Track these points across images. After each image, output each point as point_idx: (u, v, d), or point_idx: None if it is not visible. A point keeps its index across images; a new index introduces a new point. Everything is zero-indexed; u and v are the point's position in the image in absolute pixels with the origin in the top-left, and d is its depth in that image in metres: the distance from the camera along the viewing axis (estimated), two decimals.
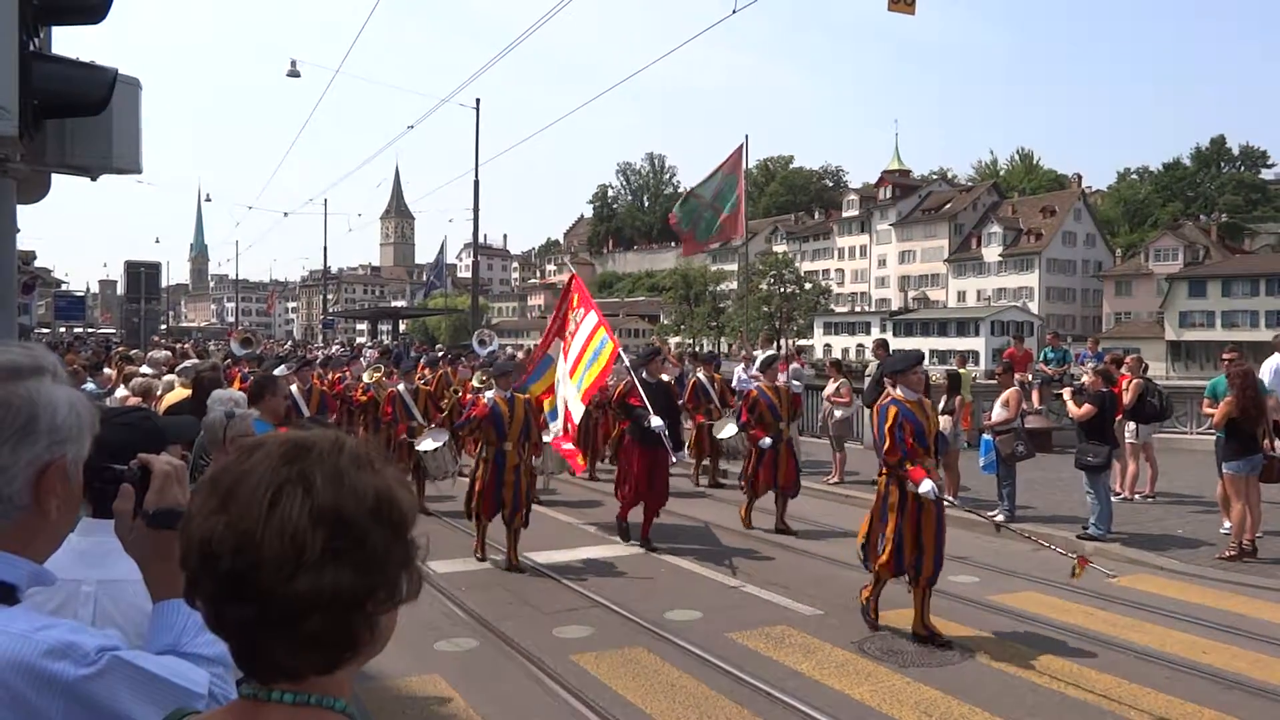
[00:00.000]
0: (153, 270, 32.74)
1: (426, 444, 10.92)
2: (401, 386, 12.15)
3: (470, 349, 23.88)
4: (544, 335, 11.52)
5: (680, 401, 12.98)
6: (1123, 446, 11.31)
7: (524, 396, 9.35)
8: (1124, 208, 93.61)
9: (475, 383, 12.73)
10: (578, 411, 10.07)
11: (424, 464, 11.05)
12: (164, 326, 56.64)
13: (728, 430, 11.89)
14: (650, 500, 9.72)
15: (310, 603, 1.04)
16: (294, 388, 10.70)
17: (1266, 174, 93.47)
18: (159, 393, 8.73)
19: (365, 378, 13.75)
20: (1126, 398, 11.07)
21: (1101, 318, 77.14)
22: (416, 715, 5.46)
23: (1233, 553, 8.75)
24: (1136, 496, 11.68)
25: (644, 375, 10.00)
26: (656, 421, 9.20)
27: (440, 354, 21.20)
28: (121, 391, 9.94)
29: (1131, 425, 11.51)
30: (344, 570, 1.05)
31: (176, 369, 10.02)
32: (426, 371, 15.59)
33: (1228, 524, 9.28)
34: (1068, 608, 7.50)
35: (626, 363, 10.70)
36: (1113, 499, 10.21)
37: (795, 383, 11.65)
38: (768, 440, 10.25)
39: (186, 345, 28.55)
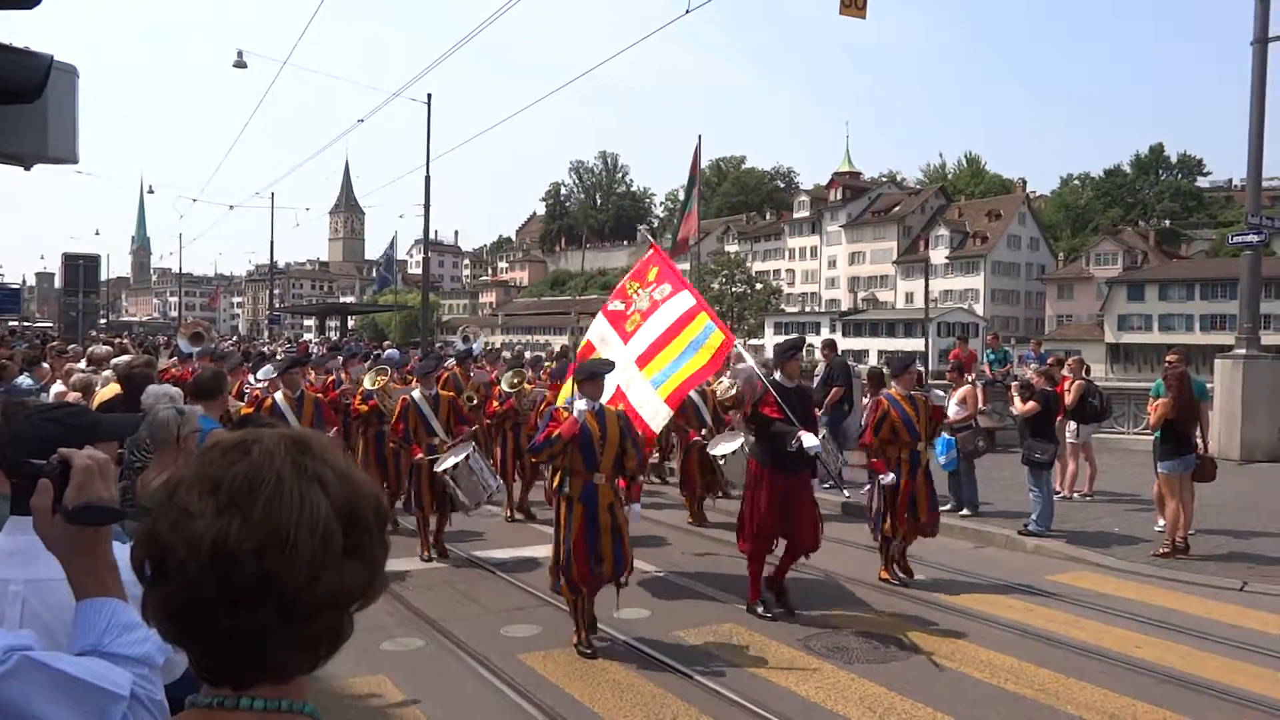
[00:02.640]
0: (92, 263, 31.90)
1: (449, 460, 8.68)
2: (417, 393, 9.28)
3: (421, 347, 23.31)
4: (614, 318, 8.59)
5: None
6: (1063, 446, 11.58)
7: (616, 409, 7.06)
8: (1066, 212, 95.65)
9: (505, 386, 11.25)
10: (655, 415, 7.74)
11: (452, 493, 8.72)
12: (104, 321, 55.24)
13: (723, 447, 9.55)
14: (795, 543, 7.45)
15: (326, 601, 1.04)
16: (279, 396, 9.08)
17: (1202, 182, 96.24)
18: (98, 388, 8.53)
19: (367, 382, 10.85)
20: (1068, 398, 11.32)
21: (1044, 320, 78.80)
22: (362, 716, 5.39)
23: (1166, 550, 9.00)
24: (1075, 495, 11.95)
25: (778, 377, 7.59)
26: (811, 441, 7.04)
27: (465, 351, 17.10)
28: (58, 387, 9.69)
29: (1072, 425, 11.77)
30: (355, 567, 1.06)
31: (111, 363, 9.78)
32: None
33: (1162, 522, 9.54)
34: (1009, 604, 7.65)
35: (749, 360, 8.64)
36: (1053, 497, 10.48)
37: (938, 392, 8.98)
38: (890, 477, 8.07)
39: (125, 340, 27.76)
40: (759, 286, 78.62)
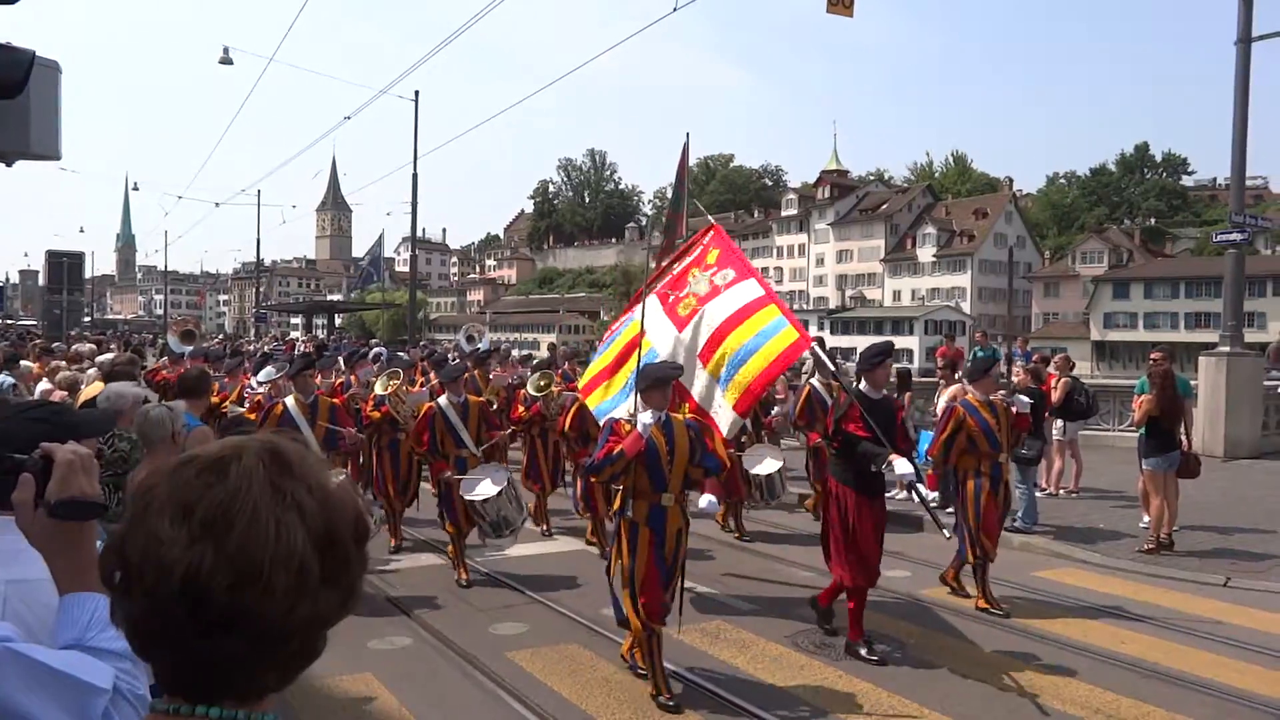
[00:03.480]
0: (76, 260, 31.80)
1: (484, 489, 7.82)
2: (444, 399, 8.40)
3: (425, 347, 22.76)
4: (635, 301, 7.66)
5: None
6: (1050, 443, 11.64)
7: (683, 418, 6.13)
8: (1052, 211, 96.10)
9: (532, 389, 10.21)
10: (725, 421, 6.78)
11: (476, 518, 7.91)
12: (88, 319, 54.93)
13: (766, 465, 9.29)
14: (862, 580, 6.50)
15: (301, 628, 1.01)
16: (290, 402, 8.15)
17: (1187, 181, 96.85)
18: (83, 386, 8.50)
19: (378, 387, 9.71)
20: (1055, 396, 11.38)
21: (1031, 318, 79.18)
22: (348, 715, 5.37)
23: (1151, 546, 9.06)
24: (1061, 492, 12.01)
25: (863, 387, 6.63)
26: (904, 467, 6.09)
27: (485, 349, 15.33)
28: (44, 385, 9.63)
29: (1059, 423, 11.83)
30: (333, 592, 1.04)
31: (97, 360, 9.72)
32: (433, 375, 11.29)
33: (1147, 518, 9.61)
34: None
35: (829, 363, 8.04)
36: (1038, 494, 10.53)
37: (1023, 398, 7.91)
38: (934, 496, 6.70)
39: (108, 338, 27.50)
40: None
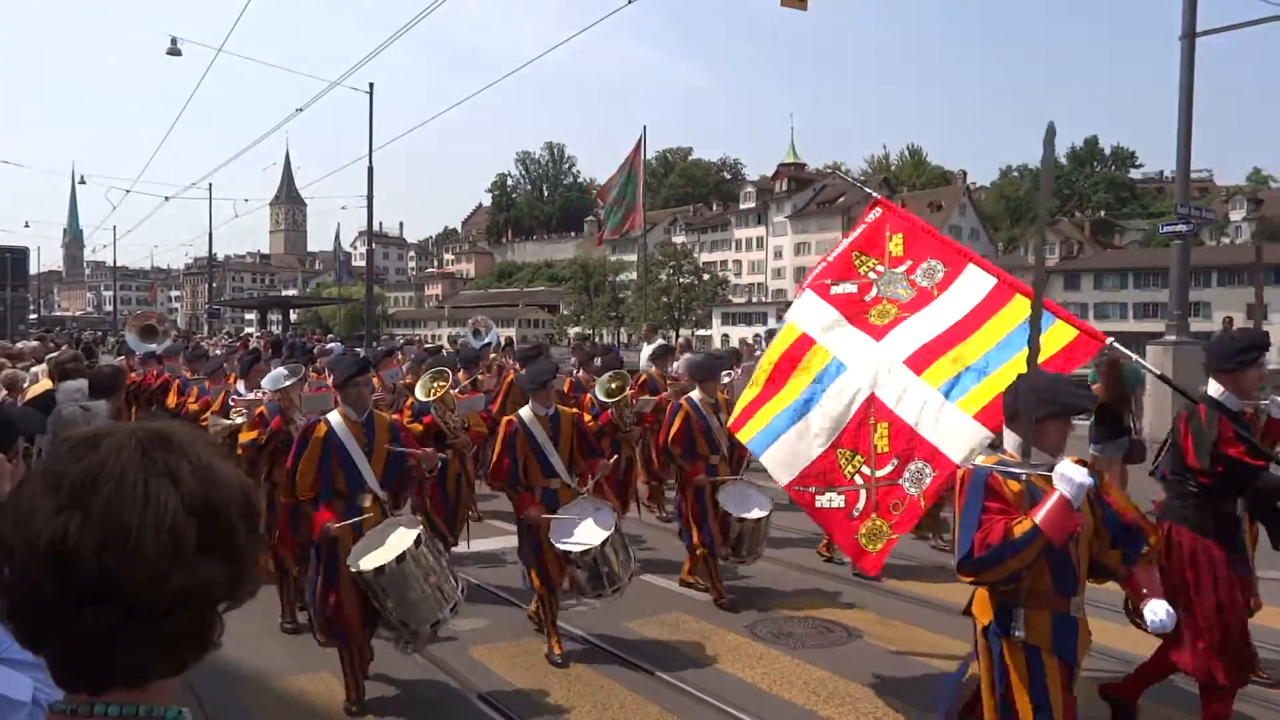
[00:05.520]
0: (20, 255, 31.09)
1: (583, 537, 6.12)
2: (527, 412, 6.44)
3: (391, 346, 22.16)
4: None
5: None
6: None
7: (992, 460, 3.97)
8: (1006, 203, 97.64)
9: (601, 394, 8.37)
10: (959, 438, 4.98)
11: (570, 574, 6.27)
12: (34, 316, 53.66)
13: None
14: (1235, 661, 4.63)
15: (180, 600, 0.99)
16: (335, 419, 5.52)
17: (1135, 174, 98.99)
18: (25, 385, 8.30)
19: (419, 391, 7.63)
20: None
21: None
22: (305, 715, 5.32)
23: None
24: None
25: (1217, 393, 4.75)
26: None
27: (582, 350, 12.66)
28: None
29: None
30: (214, 564, 1.02)
31: (47, 359, 9.50)
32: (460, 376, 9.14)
33: None
34: (949, 589, 7.76)
35: (1152, 368, 5.99)
36: None
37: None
38: None
39: (55, 337, 26.91)
40: (706, 277, 79.02)
